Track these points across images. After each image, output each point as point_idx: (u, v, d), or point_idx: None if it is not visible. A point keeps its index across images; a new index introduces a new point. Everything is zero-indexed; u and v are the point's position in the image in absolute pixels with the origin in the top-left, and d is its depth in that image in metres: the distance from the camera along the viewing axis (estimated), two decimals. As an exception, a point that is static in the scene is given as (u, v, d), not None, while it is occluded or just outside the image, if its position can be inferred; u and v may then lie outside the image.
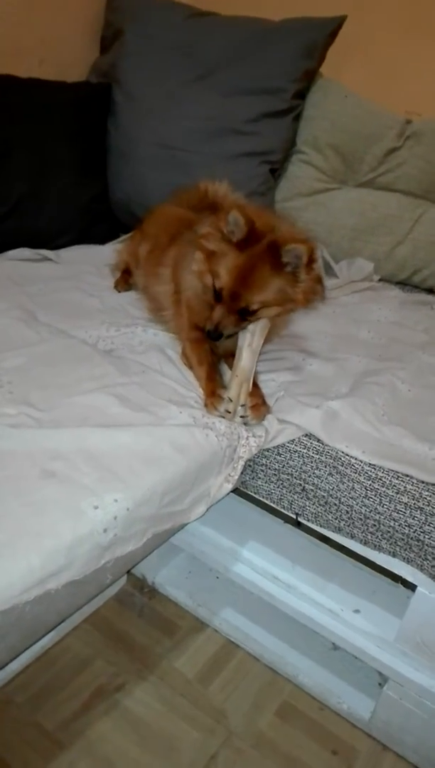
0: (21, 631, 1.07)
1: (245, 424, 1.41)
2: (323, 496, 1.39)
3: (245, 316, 1.43)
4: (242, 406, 1.40)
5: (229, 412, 1.40)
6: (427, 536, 1.27)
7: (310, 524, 1.48)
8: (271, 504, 1.52)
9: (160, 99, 2.15)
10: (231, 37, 2.16)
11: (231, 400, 1.40)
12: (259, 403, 1.43)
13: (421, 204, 2.17)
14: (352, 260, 2.23)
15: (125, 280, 1.96)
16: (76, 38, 2.44)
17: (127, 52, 2.22)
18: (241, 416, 1.40)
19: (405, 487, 1.29)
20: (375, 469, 1.33)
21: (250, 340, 1.46)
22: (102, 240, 2.23)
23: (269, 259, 1.37)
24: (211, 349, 1.56)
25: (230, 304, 1.41)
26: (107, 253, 2.13)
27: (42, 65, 2.29)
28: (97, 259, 2.09)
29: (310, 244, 1.38)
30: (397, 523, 1.30)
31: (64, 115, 2.12)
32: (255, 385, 1.46)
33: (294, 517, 1.49)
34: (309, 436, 1.41)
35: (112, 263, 2.05)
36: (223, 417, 1.40)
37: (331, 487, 1.37)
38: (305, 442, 1.41)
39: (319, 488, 1.39)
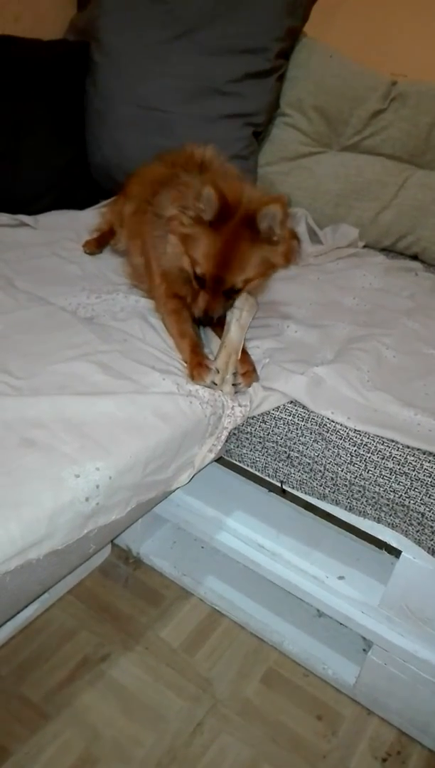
0: (2, 602, 1.05)
1: (236, 392, 1.39)
2: (308, 463, 1.38)
3: (231, 294, 1.43)
4: (234, 374, 1.39)
5: (216, 384, 1.37)
6: (412, 501, 1.26)
7: (295, 492, 1.47)
8: (256, 472, 1.50)
9: (140, 57, 2.08)
10: (212, -8, 2.08)
11: (218, 371, 1.38)
12: (249, 371, 1.41)
13: (406, 168, 2.13)
14: (336, 226, 2.19)
15: (98, 242, 1.90)
16: (53, -6, 2.34)
17: (106, 9, 2.13)
18: (233, 384, 1.38)
19: (390, 452, 1.28)
20: (360, 435, 1.31)
21: (238, 315, 1.46)
22: (81, 206, 2.17)
23: (246, 234, 1.35)
24: (192, 318, 1.53)
25: (214, 288, 1.41)
26: (87, 219, 2.07)
27: (17, 22, 2.20)
28: (76, 225, 2.03)
29: (280, 198, 1.34)
30: (382, 489, 1.29)
31: (40, 75, 2.04)
32: (245, 353, 1.45)
33: (279, 485, 1.48)
34: (294, 403, 1.39)
35: (94, 227, 1.99)
36: (210, 387, 1.37)
37: (316, 454, 1.36)
38: (290, 409, 1.39)
39: (304, 455, 1.38)
